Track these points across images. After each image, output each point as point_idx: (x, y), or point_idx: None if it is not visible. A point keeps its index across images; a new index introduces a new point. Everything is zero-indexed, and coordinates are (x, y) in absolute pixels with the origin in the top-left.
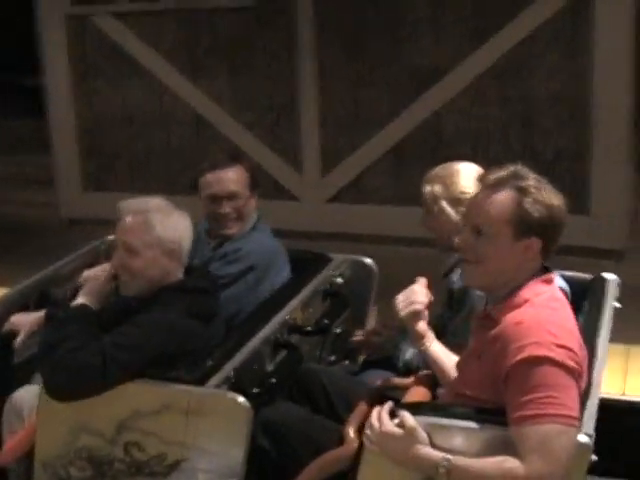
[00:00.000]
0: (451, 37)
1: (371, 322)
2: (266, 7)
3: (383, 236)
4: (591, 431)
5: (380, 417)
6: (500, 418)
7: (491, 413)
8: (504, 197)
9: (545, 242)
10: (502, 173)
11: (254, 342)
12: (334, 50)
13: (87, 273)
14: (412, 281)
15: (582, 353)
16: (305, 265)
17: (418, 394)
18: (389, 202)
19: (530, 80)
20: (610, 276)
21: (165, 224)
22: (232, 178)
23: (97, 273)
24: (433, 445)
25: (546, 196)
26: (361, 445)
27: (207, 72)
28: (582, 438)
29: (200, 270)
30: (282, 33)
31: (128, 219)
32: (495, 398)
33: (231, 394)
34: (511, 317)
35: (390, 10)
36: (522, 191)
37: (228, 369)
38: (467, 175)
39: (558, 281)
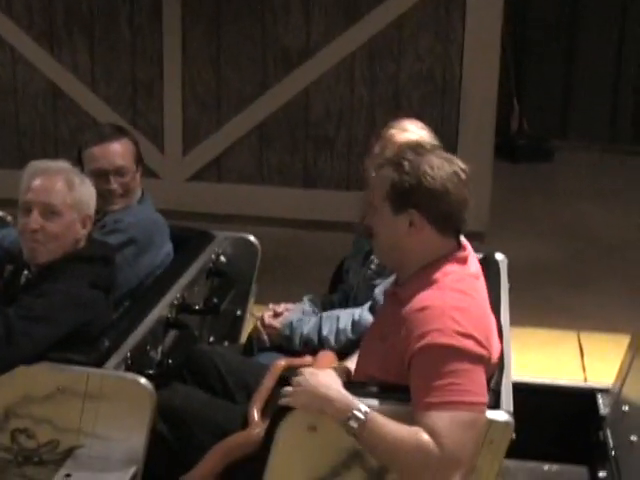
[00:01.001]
0: (322, 16)
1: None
2: None
3: (244, 215)
4: (510, 408)
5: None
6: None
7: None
8: (384, 173)
9: (425, 213)
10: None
11: (147, 322)
12: (198, 26)
13: None
14: (275, 259)
15: (489, 338)
16: (188, 242)
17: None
18: (251, 181)
19: (399, 61)
20: (500, 256)
21: (82, 187)
22: (120, 152)
23: None
24: None
25: (419, 166)
26: (270, 430)
27: (65, 42)
28: (502, 416)
29: (97, 239)
30: (146, 6)
31: (46, 179)
32: (401, 381)
33: (133, 375)
34: (416, 301)
35: None
36: (397, 165)
37: (125, 350)
38: None
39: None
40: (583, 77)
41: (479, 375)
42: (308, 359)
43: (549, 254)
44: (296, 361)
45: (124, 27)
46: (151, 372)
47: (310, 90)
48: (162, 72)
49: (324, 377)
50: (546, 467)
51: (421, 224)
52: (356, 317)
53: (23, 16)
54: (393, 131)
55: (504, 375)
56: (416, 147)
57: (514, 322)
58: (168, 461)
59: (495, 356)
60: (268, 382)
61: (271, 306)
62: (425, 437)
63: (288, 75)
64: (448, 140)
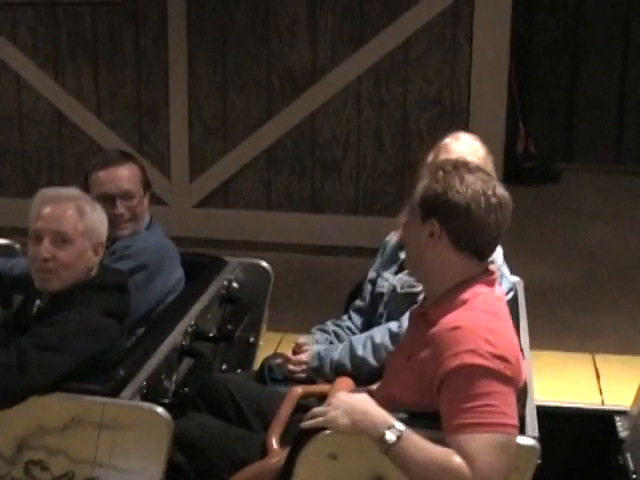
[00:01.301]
0: (329, 39)
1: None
2: (135, 2)
3: (251, 241)
4: (536, 433)
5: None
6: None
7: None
8: (423, 181)
9: (443, 226)
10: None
11: (162, 350)
12: (204, 50)
13: None
14: (284, 285)
15: (519, 361)
16: (200, 268)
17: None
18: (258, 207)
19: (406, 84)
20: (515, 278)
21: (94, 214)
22: (126, 176)
23: None
24: None
25: (450, 178)
26: (290, 458)
27: (70, 68)
28: (528, 441)
29: (109, 267)
30: (151, 31)
31: (56, 206)
32: (422, 402)
33: (150, 405)
34: (447, 321)
35: (264, 10)
36: (433, 173)
37: (140, 379)
38: None
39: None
40: (588, 98)
41: (511, 397)
42: (325, 386)
43: (560, 275)
44: (313, 388)
45: (129, 52)
46: (167, 401)
47: (317, 114)
48: (168, 97)
49: (358, 396)
50: None
51: (439, 236)
52: (395, 329)
53: (28, 42)
54: (447, 140)
55: (528, 399)
56: (457, 161)
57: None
58: None
59: (523, 379)
60: (285, 410)
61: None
62: (457, 459)
63: (295, 99)
64: None
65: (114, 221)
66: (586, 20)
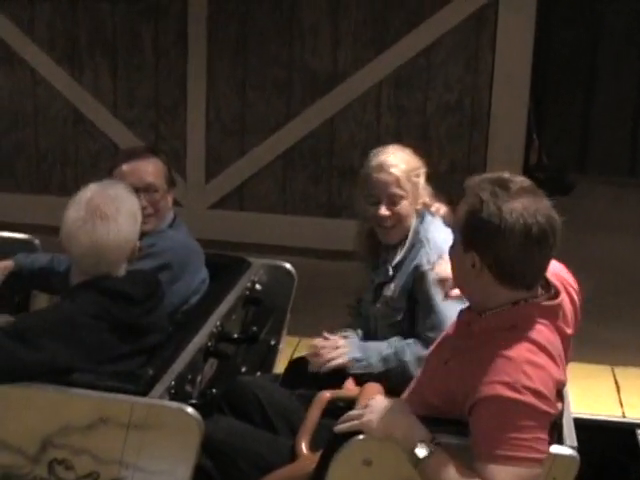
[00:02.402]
0: (351, 43)
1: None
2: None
3: (266, 245)
4: (574, 443)
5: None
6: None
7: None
8: (462, 206)
9: (487, 262)
10: (475, 181)
11: (189, 351)
12: (224, 49)
13: None
14: (299, 289)
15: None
16: (224, 269)
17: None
18: (273, 210)
19: (427, 91)
20: None
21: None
22: (150, 170)
23: None
24: None
25: (491, 209)
26: (323, 464)
27: (88, 65)
28: (566, 451)
29: (136, 275)
30: (171, 28)
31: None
32: (452, 410)
33: (180, 405)
34: (491, 344)
35: (286, 12)
36: (473, 202)
37: (169, 379)
38: None
39: None
40: (602, 110)
41: (543, 432)
42: (354, 390)
43: None
44: (341, 393)
45: (148, 50)
46: (195, 402)
47: (336, 118)
48: (186, 96)
49: (396, 403)
50: None
51: (481, 269)
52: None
53: (45, 38)
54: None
55: (565, 410)
56: (499, 181)
57: None
58: None
59: (558, 410)
60: (314, 414)
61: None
62: None
63: (314, 103)
64: (476, 172)
65: None
66: (603, 33)
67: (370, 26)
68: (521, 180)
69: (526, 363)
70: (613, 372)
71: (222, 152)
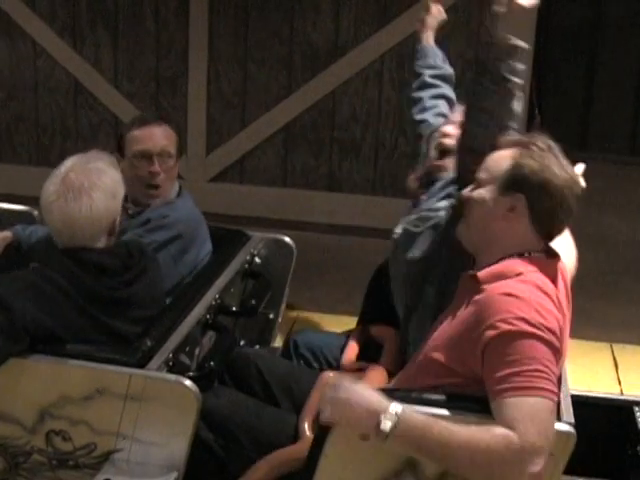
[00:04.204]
0: (352, 17)
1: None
2: None
3: (266, 218)
4: (572, 420)
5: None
6: (472, 405)
7: (463, 399)
8: (506, 153)
9: (531, 204)
10: (518, 136)
11: (188, 323)
12: (225, 22)
13: None
14: (298, 263)
15: (564, 340)
16: (224, 242)
17: (376, 378)
18: (274, 184)
19: None
20: None
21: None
22: (164, 134)
23: None
24: None
25: (546, 160)
26: (318, 439)
27: (89, 36)
28: (564, 427)
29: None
30: (173, 1)
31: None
32: (463, 368)
33: (178, 377)
34: (501, 285)
35: None
36: (524, 149)
37: (167, 351)
38: None
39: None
40: (604, 89)
41: (556, 370)
42: (358, 374)
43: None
44: (345, 375)
45: (149, 22)
46: (193, 374)
47: (337, 92)
48: (187, 69)
49: (344, 385)
50: None
51: (522, 212)
52: None
53: (46, 9)
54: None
55: (562, 385)
56: (548, 141)
57: None
58: (212, 469)
59: (564, 362)
60: (316, 396)
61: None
62: (500, 430)
63: (315, 76)
64: None
65: (148, 181)
66: (606, 12)
67: (372, 1)
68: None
69: (537, 304)
70: (612, 349)
71: (223, 125)
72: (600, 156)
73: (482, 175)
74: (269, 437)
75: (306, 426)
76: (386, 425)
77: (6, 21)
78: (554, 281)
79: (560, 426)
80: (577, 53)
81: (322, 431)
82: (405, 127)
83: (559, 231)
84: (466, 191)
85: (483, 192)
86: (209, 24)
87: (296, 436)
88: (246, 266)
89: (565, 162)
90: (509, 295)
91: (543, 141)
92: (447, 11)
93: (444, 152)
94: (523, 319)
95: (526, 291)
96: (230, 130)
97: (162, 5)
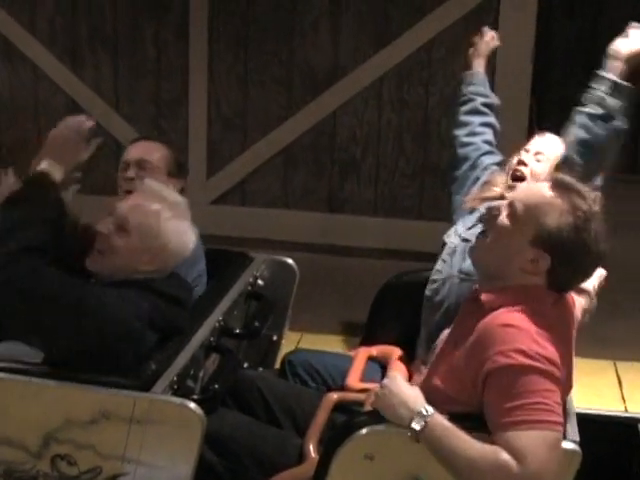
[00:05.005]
0: (351, 38)
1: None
2: None
3: (268, 240)
4: (577, 438)
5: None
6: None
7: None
8: (552, 199)
9: (553, 271)
10: (576, 183)
11: (192, 346)
12: (225, 45)
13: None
14: (300, 284)
15: (568, 370)
16: (226, 264)
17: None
18: (275, 205)
19: (428, 86)
20: None
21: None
22: (148, 149)
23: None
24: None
25: (585, 233)
26: (324, 460)
27: (88, 60)
28: (569, 445)
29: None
30: (172, 24)
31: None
32: (465, 397)
33: (182, 400)
34: (499, 315)
35: (286, 7)
36: (572, 207)
37: (171, 374)
38: None
39: None
40: None
41: (559, 397)
42: (360, 394)
43: None
44: (349, 395)
45: (149, 45)
46: (197, 397)
47: (337, 113)
48: (187, 91)
49: (396, 380)
50: None
51: (542, 268)
52: None
53: (46, 33)
54: None
55: (568, 403)
56: (594, 199)
57: None
58: None
59: (569, 388)
60: (321, 417)
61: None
62: (505, 456)
63: (315, 98)
64: None
65: (123, 190)
66: (604, 26)
67: (371, 21)
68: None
69: (536, 334)
70: (615, 367)
71: (223, 147)
72: (605, 176)
73: (519, 207)
74: (273, 459)
75: (311, 447)
76: (417, 425)
77: (6, 45)
78: (557, 308)
79: (565, 444)
80: (575, 70)
81: (327, 453)
82: (405, 149)
83: (571, 289)
84: (501, 215)
85: (514, 230)
86: (209, 46)
87: (300, 457)
88: (249, 288)
89: (600, 230)
90: (508, 326)
91: (589, 202)
92: (447, 30)
93: (518, 179)
94: (521, 351)
95: (525, 320)
96: (231, 152)
97: (162, 28)
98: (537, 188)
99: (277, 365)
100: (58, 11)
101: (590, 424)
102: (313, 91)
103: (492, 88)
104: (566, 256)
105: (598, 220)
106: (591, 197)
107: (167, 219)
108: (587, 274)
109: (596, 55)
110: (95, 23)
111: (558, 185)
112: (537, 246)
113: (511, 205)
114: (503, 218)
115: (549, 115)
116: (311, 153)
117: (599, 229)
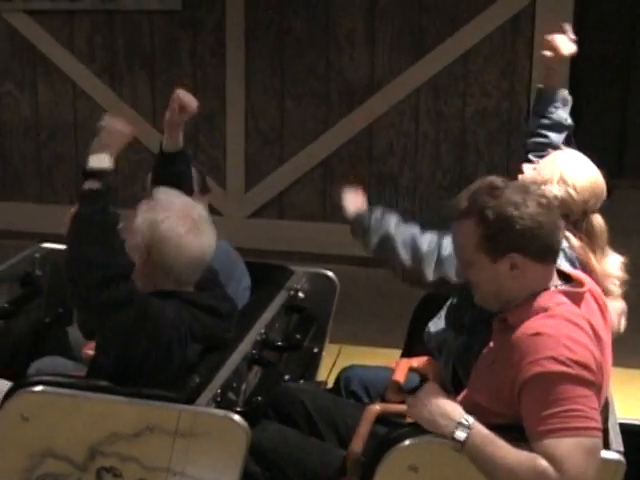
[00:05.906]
0: (387, 51)
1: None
2: (193, 12)
3: (306, 253)
4: (621, 448)
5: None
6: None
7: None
8: (466, 226)
9: (525, 253)
10: (463, 201)
11: (235, 359)
12: (261, 59)
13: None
14: (341, 297)
15: (601, 370)
16: (267, 278)
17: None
18: (313, 218)
19: (465, 97)
20: None
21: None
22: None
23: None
24: None
25: (503, 210)
26: (369, 468)
27: (126, 77)
28: (613, 455)
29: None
30: (209, 40)
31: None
32: (506, 410)
33: (226, 412)
34: (528, 326)
35: (322, 21)
36: (479, 215)
37: (215, 387)
38: None
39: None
40: (639, 114)
41: (594, 401)
42: (403, 406)
43: None
44: (391, 407)
45: (185, 61)
46: (241, 409)
47: (374, 126)
48: (225, 106)
49: (433, 389)
50: None
51: (524, 264)
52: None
53: (85, 51)
54: None
55: (610, 414)
56: (490, 190)
57: None
58: None
59: (605, 388)
60: (364, 428)
61: None
62: (544, 463)
63: (352, 111)
64: (514, 178)
65: None
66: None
67: (407, 34)
68: (493, 179)
69: (566, 338)
70: None
71: (261, 161)
72: (637, 183)
73: (459, 255)
74: (316, 471)
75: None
76: (461, 435)
77: (46, 63)
78: (585, 308)
79: (609, 454)
80: (611, 80)
81: (371, 465)
82: (443, 160)
83: (559, 245)
84: (464, 269)
85: (477, 270)
86: (245, 61)
87: (343, 469)
88: (290, 301)
89: (517, 196)
90: (537, 335)
91: (488, 194)
92: (483, 41)
93: None
94: (552, 358)
95: (554, 326)
96: (268, 166)
97: (198, 44)
98: (464, 230)
99: (318, 377)
100: (96, 29)
101: (634, 435)
102: (349, 104)
103: (527, 105)
104: (519, 239)
105: (507, 201)
106: (483, 191)
107: (180, 235)
108: (548, 226)
109: (632, 65)
110: (132, 40)
111: (458, 217)
112: (499, 257)
113: (460, 260)
114: (465, 270)
115: (584, 128)
116: (349, 166)
117: (510, 199)
